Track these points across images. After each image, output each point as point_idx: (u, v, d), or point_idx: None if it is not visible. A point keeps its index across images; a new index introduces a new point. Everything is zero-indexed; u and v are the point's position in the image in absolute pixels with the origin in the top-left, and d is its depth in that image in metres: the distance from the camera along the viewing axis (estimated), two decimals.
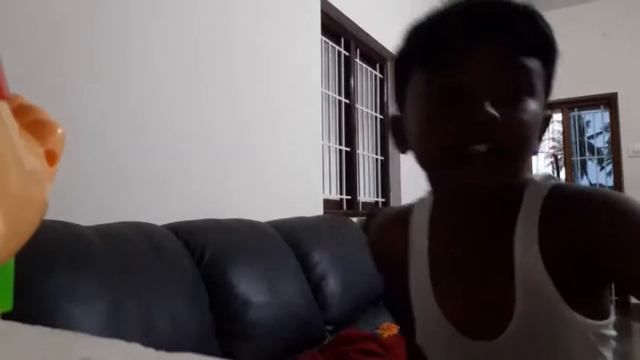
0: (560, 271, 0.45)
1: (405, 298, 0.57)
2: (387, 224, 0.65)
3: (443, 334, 0.51)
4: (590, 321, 0.45)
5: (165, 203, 1.43)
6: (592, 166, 5.03)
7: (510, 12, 0.45)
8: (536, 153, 0.50)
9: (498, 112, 0.43)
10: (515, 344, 0.46)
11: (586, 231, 0.45)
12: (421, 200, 0.60)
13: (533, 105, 0.46)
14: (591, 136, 5.25)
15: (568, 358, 0.46)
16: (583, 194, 0.47)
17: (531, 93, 0.46)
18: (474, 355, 0.49)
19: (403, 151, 0.54)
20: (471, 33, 0.45)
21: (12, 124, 0.23)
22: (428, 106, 0.48)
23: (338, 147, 2.79)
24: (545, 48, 0.49)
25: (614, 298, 4.35)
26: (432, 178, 0.52)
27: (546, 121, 0.52)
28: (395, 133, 0.55)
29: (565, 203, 0.47)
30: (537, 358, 0.46)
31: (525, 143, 0.46)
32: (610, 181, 4.59)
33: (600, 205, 0.45)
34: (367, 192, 3.14)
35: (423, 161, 0.51)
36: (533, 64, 0.47)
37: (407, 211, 0.60)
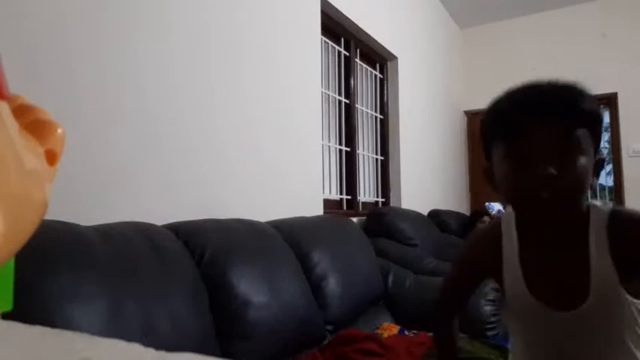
0: (623, 270, 0.69)
1: (469, 291, 0.90)
2: (483, 235, 0.89)
3: (533, 309, 0.74)
4: (634, 300, 0.70)
5: (165, 203, 1.43)
6: None
7: (565, 95, 0.68)
8: (592, 188, 0.72)
9: (556, 170, 0.64)
10: (588, 313, 0.70)
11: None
12: (506, 216, 0.81)
13: (582, 160, 0.65)
14: None
15: (620, 322, 0.70)
16: (634, 218, 0.72)
17: (581, 152, 0.66)
18: (557, 321, 0.73)
19: (496, 191, 0.76)
20: (536, 114, 0.66)
21: (12, 124, 0.23)
22: (509, 166, 0.69)
23: (338, 147, 2.79)
24: (590, 119, 0.68)
25: None
26: (516, 208, 0.75)
27: (600, 163, 0.72)
28: (488, 179, 0.77)
29: (625, 224, 0.71)
30: (602, 322, 0.71)
31: (575, 189, 0.66)
32: (610, 181, 4.59)
33: None
34: (367, 192, 3.15)
35: (509, 200, 0.73)
36: (581, 132, 0.66)
37: (497, 225, 0.82)
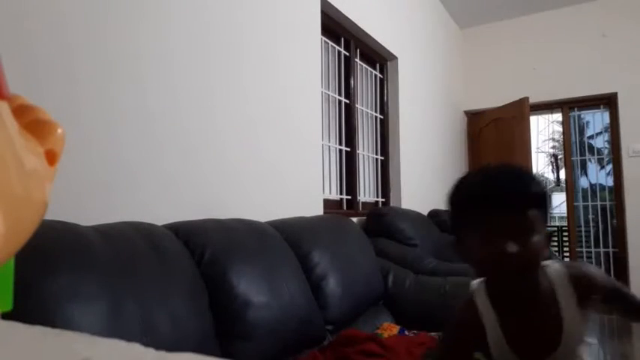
0: (586, 314, 0.84)
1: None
2: (463, 318, 0.94)
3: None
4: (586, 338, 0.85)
5: (165, 203, 1.43)
6: (592, 166, 5.03)
7: (517, 183, 0.80)
8: (546, 258, 0.82)
9: (518, 246, 0.75)
10: (557, 356, 0.83)
11: (597, 288, 0.86)
12: (476, 291, 0.89)
13: (536, 237, 0.77)
14: (591, 136, 5.25)
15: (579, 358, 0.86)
16: (590, 270, 0.89)
17: (534, 230, 0.77)
18: None
19: (466, 262, 0.87)
20: (496, 205, 0.78)
21: (12, 124, 0.23)
22: (479, 245, 0.79)
23: (338, 147, 2.79)
24: (540, 201, 0.79)
25: None
26: (488, 278, 0.87)
27: (550, 237, 0.84)
28: (456, 251, 0.87)
29: (586, 278, 0.86)
30: None
31: (533, 262, 0.79)
32: (610, 181, 4.59)
33: (595, 274, 0.89)
34: (367, 192, 3.15)
35: (480, 272, 0.86)
36: (533, 213, 0.77)
37: (471, 303, 0.89)
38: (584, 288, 0.85)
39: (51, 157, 0.26)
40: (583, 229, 4.81)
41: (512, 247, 0.75)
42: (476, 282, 0.90)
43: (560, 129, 4.78)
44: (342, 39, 2.84)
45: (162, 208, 1.41)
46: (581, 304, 0.84)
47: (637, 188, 4.05)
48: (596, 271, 0.92)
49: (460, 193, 0.85)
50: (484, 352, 0.86)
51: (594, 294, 0.85)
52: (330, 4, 2.48)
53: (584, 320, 0.84)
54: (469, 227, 0.81)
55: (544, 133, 10.15)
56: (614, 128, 4.28)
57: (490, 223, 0.77)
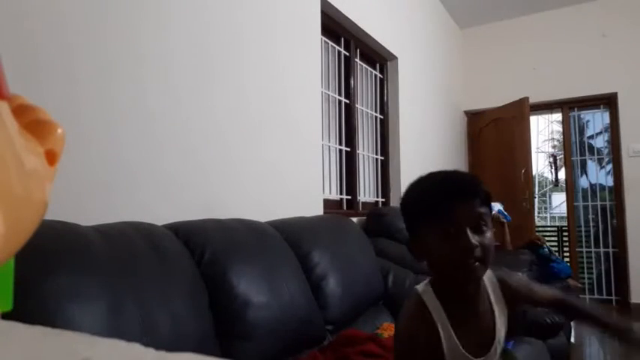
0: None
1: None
2: (415, 321, 0.92)
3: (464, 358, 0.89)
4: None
5: (165, 203, 1.43)
6: (592, 165, 5.02)
7: (470, 184, 0.86)
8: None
9: (479, 237, 0.81)
10: (490, 356, 0.89)
11: (524, 297, 0.97)
12: (424, 294, 0.90)
13: (489, 232, 0.84)
14: (591, 136, 5.24)
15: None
16: (514, 279, 0.95)
17: (487, 225, 0.84)
18: None
19: (420, 262, 0.89)
20: (456, 196, 0.83)
21: (12, 124, 0.23)
22: (439, 240, 0.83)
23: (338, 147, 2.79)
24: (487, 199, 0.86)
25: (614, 298, 4.36)
26: (443, 275, 0.88)
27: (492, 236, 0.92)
28: (412, 252, 0.90)
29: (513, 286, 0.93)
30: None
31: (490, 255, 0.83)
32: (610, 181, 4.59)
33: (523, 283, 0.98)
34: (367, 192, 3.15)
35: (438, 268, 0.88)
36: (484, 209, 0.84)
37: (420, 305, 0.89)
38: (512, 296, 0.92)
39: (51, 157, 0.26)
40: (583, 229, 4.81)
41: (474, 238, 0.80)
42: (420, 285, 0.92)
43: (560, 129, 4.78)
44: (342, 39, 2.85)
45: (163, 208, 1.41)
46: (508, 310, 0.91)
47: (637, 188, 4.05)
48: (525, 282, 0.99)
49: (419, 190, 0.90)
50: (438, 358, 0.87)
51: (520, 304, 0.94)
52: (330, 4, 2.48)
53: (505, 327, 0.91)
54: (430, 223, 0.85)
55: (544, 133, 10.15)
56: (614, 128, 4.28)
57: (453, 215, 0.82)
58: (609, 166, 4.56)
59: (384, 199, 3.30)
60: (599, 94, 4.26)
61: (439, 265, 0.87)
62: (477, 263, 0.81)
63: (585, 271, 4.66)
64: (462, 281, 0.86)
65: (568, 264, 3.73)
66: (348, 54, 2.89)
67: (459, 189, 0.85)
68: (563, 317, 0.97)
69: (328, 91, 2.68)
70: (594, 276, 4.63)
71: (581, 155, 4.81)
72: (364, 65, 3.16)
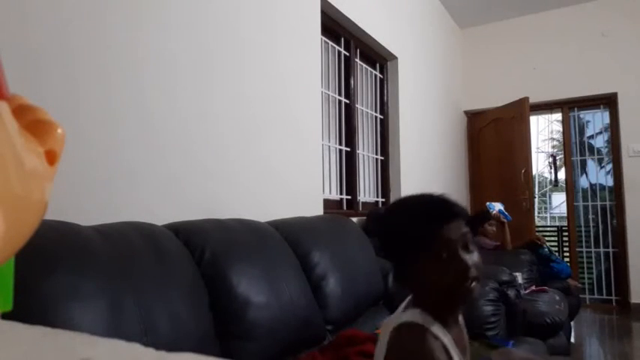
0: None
1: None
2: (431, 346, 0.89)
3: None
4: None
5: (165, 203, 1.43)
6: (592, 165, 5.03)
7: (454, 205, 0.86)
8: None
9: (469, 259, 0.81)
10: None
11: None
12: (425, 323, 0.85)
13: (475, 249, 0.84)
14: (591, 136, 5.24)
15: None
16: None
17: (473, 243, 0.84)
18: None
19: (413, 290, 0.87)
20: (442, 221, 0.82)
21: (12, 124, 0.23)
22: (432, 265, 0.81)
23: (338, 147, 2.79)
24: (468, 218, 0.87)
25: (614, 298, 4.36)
26: (438, 300, 0.84)
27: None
28: (405, 282, 0.88)
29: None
30: None
31: (482, 272, 0.85)
32: (610, 181, 4.59)
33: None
34: (367, 192, 3.15)
35: (433, 294, 0.84)
36: (467, 228, 0.84)
37: (428, 333, 0.85)
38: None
39: (51, 157, 0.26)
40: (583, 229, 4.81)
41: (474, 256, 0.82)
42: (414, 317, 0.84)
43: (560, 129, 4.78)
44: (342, 39, 2.85)
45: (163, 208, 1.41)
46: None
47: (637, 188, 4.05)
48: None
49: (406, 218, 0.87)
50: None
51: None
52: (330, 4, 2.48)
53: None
54: (420, 249, 0.83)
55: (544, 133, 10.14)
56: (614, 128, 4.28)
57: (444, 238, 0.81)
58: (609, 166, 4.56)
59: (384, 199, 3.30)
60: (599, 94, 4.26)
61: (435, 291, 0.84)
62: (473, 283, 0.81)
63: (585, 271, 4.66)
64: (461, 303, 0.86)
65: (568, 264, 3.73)
66: (348, 54, 2.89)
67: (446, 210, 0.85)
68: None
69: (328, 91, 2.68)
70: (594, 276, 4.63)
71: (581, 155, 4.81)
72: (364, 65, 3.16)
